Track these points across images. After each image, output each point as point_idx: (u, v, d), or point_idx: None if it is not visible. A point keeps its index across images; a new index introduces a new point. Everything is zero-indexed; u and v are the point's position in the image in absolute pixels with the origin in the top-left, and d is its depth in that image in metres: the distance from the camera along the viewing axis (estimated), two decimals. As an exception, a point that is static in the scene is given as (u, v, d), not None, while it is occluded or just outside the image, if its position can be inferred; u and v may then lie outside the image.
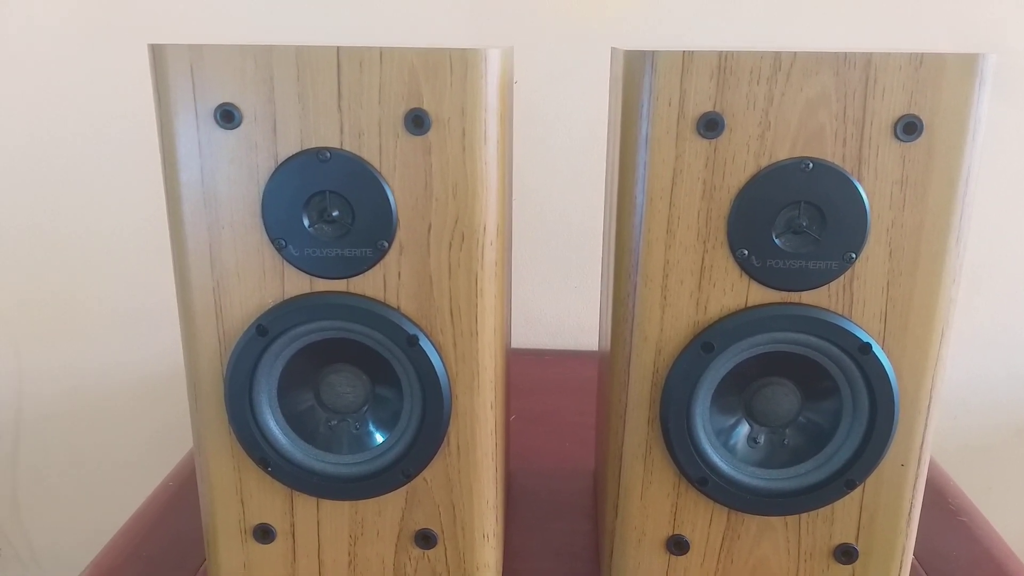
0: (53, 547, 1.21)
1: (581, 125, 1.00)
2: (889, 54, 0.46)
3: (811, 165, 0.47)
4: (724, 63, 0.46)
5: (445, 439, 0.52)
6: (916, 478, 0.53)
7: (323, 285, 0.50)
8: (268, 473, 0.53)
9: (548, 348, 1.09)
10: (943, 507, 0.71)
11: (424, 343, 0.50)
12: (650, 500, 0.54)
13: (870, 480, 0.52)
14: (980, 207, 0.98)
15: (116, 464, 1.16)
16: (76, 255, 1.07)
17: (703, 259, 0.50)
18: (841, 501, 0.53)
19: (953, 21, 0.95)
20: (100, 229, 1.06)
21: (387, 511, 0.54)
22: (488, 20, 0.97)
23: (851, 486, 0.52)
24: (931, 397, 0.51)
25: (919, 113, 0.46)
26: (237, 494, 0.54)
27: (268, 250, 0.49)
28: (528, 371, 0.98)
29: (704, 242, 0.49)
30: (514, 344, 1.06)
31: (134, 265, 1.07)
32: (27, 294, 1.09)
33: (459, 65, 0.46)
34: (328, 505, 0.54)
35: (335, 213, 0.49)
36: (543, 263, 1.06)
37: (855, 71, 0.46)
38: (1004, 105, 0.97)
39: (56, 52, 1.00)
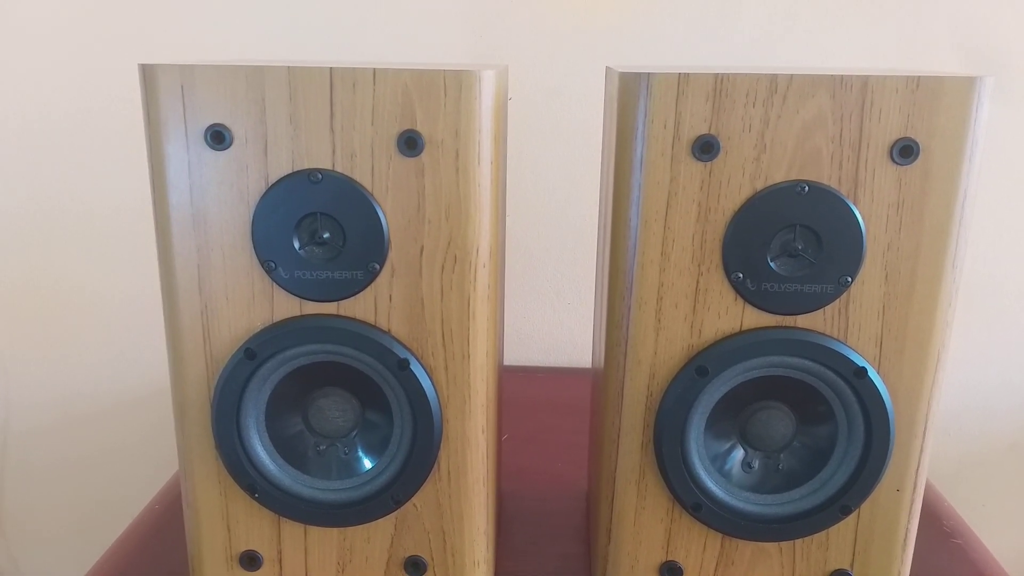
0: (41, 565, 1.19)
1: (576, 141, 1.00)
2: (886, 77, 0.45)
3: (807, 188, 0.47)
4: (720, 85, 0.46)
5: (436, 464, 0.51)
6: (912, 503, 0.52)
7: (313, 308, 0.49)
8: (255, 499, 0.52)
9: (541, 365, 1.08)
10: (938, 529, 0.71)
11: (415, 367, 0.49)
12: (643, 525, 0.53)
13: (865, 505, 0.52)
14: (976, 223, 0.98)
15: (106, 480, 1.14)
16: (68, 262, 1.06)
17: (698, 282, 0.49)
18: (836, 527, 0.53)
19: (957, 28, 0.95)
20: (92, 235, 1.05)
21: (376, 538, 0.53)
22: (483, 37, 0.97)
23: (846, 511, 0.52)
24: (927, 421, 0.51)
25: (916, 136, 0.46)
26: (223, 520, 0.53)
27: (257, 272, 0.49)
28: (521, 389, 0.97)
29: (699, 265, 0.49)
30: (507, 361, 1.05)
31: (127, 275, 1.06)
32: (14, 302, 1.07)
33: (453, 86, 0.46)
34: (316, 532, 0.53)
35: (326, 235, 0.48)
36: (537, 279, 1.05)
37: (851, 93, 0.46)
38: (1002, 115, 0.97)
39: (52, 51, 0.99)
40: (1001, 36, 0.95)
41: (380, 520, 0.53)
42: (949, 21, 0.95)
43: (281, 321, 0.49)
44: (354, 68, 0.46)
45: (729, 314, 0.50)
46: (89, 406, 1.11)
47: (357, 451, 0.53)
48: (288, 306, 0.49)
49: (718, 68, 0.50)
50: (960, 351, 1.04)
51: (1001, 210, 1.00)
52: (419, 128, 0.46)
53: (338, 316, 0.49)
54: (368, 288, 0.49)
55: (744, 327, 0.50)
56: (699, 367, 0.49)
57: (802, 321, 0.49)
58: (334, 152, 0.47)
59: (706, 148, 0.47)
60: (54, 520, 1.17)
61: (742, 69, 0.49)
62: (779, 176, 0.47)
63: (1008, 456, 1.10)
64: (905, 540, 0.53)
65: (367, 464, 0.53)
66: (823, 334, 0.49)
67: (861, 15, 0.95)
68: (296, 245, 0.48)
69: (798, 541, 0.53)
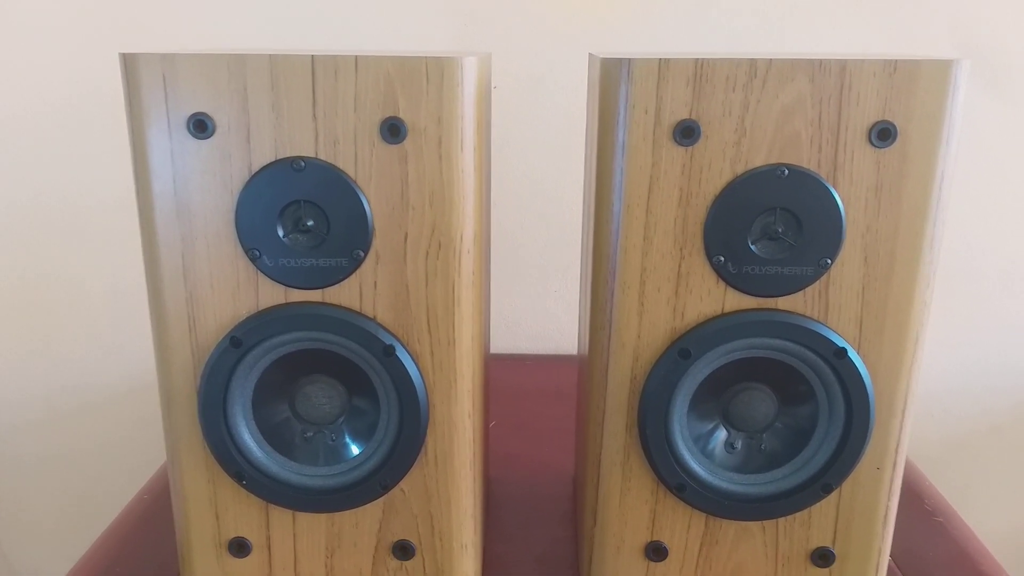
0: (30, 558, 1.19)
1: (561, 127, 1.00)
2: (863, 61, 0.46)
3: (787, 172, 0.48)
4: (700, 70, 0.46)
5: (422, 449, 0.52)
6: (892, 481, 0.53)
7: (298, 295, 0.50)
8: (243, 487, 0.52)
9: (528, 353, 1.08)
10: (919, 508, 0.72)
11: (401, 353, 0.50)
12: (628, 507, 0.54)
13: (846, 484, 0.53)
14: (959, 207, 1.00)
15: (94, 472, 1.14)
16: (52, 256, 1.05)
17: (680, 266, 0.50)
18: (818, 505, 0.53)
19: (952, 21, 0.96)
20: (77, 228, 1.04)
21: (364, 523, 0.54)
22: (467, 25, 0.97)
23: (828, 490, 0.52)
24: (906, 400, 0.52)
25: (893, 119, 0.47)
26: (212, 508, 0.54)
27: (242, 261, 0.49)
28: (508, 377, 0.98)
29: (681, 249, 0.49)
30: (494, 349, 1.06)
31: (112, 268, 1.05)
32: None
33: (435, 73, 0.46)
34: (304, 518, 0.54)
35: (310, 223, 0.48)
36: (523, 267, 1.06)
37: (830, 78, 0.46)
38: (985, 105, 0.98)
39: (37, 44, 0.98)
40: (999, 33, 0.96)
41: (368, 505, 0.53)
42: (948, 20, 0.95)
43: (266, 309, 0.50)
44: (336, 56, 0.46)
45: (711, 297, 0.50)
46: (76, 399, 1.11)
47: (344, 437, 0.53)
48: (273, 294, 0.50)
49: (699, 53, 0.50)
50: (942, 334, 1.06)
51: (983, 197, 1.01)
52: (402, 115, 0.46)
53: (323, 303, 0.50)
54: (353, 275, 0.49)
55: (726, 310, 0.50)
56: (682, 349, 0.50)
57: (783, 303, 0.50)
58: (317, 140, 0.47)
59: (687, 133, 0.47)
60: (43, 513, 1.17)
61: (724, 54, 0.50)
62: (759, 160, 0.48)
63: (990, 438, 1.12)
64: (886, 517, 0.54)
65: (354, 450, 0.53)
66: (804, 316, 0.50)
67: (858, 15, 0.95)
68: (280, 233, 0.48)
69: (781, 520, 0.54)
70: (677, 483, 0.52)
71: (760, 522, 0.54)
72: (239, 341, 0.49)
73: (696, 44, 0.97)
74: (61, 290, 1.06)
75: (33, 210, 1.03)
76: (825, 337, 0.49)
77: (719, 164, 0.48)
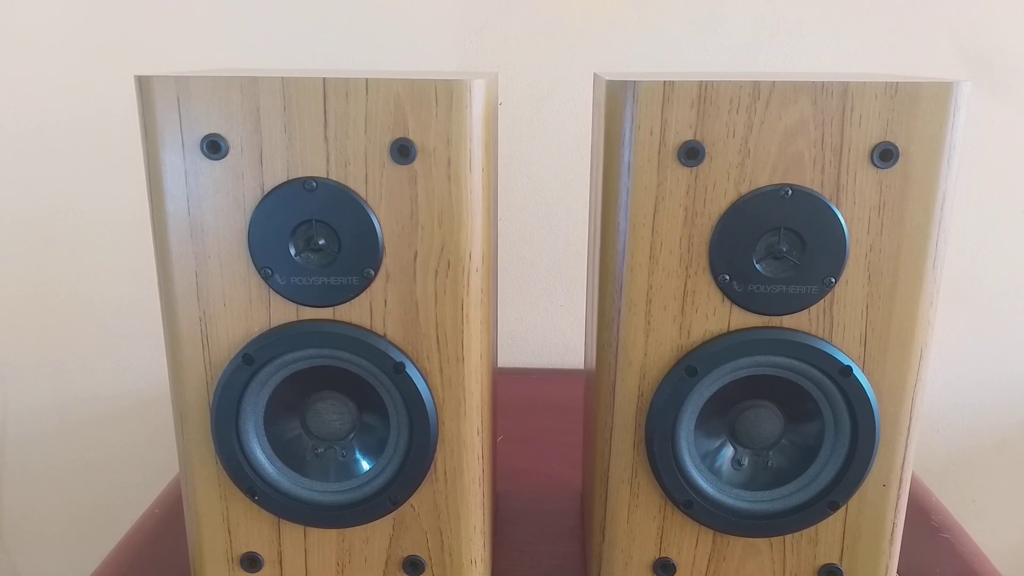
0: (40, 571, 1.20)
1: (567, 146, 1.01)
2: (865, 83, 0.47)
3: (790, 192, 0.48)
4: (704, 92, 0.47)
5: (432, 466, 0.52)
6: (898, 497, 0.54)
7: (309, 313, 0.50)
8: (255, 502, 0.53)
9: (535, 367, 1.09)
10: (926, 524, 0.72)
11: (410, 370, 0.50)
12: (636, 523, 0.54)
13: (853, 500, 0.53)
14: (964, 221, 1.00)
15: (104, 485, 1.15)
16: (65, 269, 1.06)
17: (685, 284, 0.50)
18: (825, 522, 0.54)
19: (955, 26, 0.96)
20: (90, 242, 1.05)
21: (374, 538, 0.54)
22: (474, 44, 0.98)
23: (834, 507, 0.53)
24: (911, 417, 0.52)
25: (895, 140, 0.47)
26: (224, 523, 0.54)
27: (254, 279, 0.50)
28: (515, 391, 0.98)
29: (686, 268, 0.50)
30: (500, 363, 1.06)
31: (125, 282, 1.06)
32: (12, 309, 1.08)
33: (444, 95, 0.47)
34: (315, 533, 0.54)
35: (321, 242, 0.49)
36: (529, 282, 1.07)
37: (832, 99, 0.47)
38: (991, 115, 0.98)
39: (49, 60, 0.99)
40: (1001, 36, 0.96)
41: (378, 521, 0.54)
42: (949, 24, 0.96)
43: (278, 327, 0.50)
44: (347, 78, 0.47)
45: (717, 315, 0.51)
46: (87, 412, 1.12)
47: (355, 453, 0.54)
48: (285, 312, 0.50)
49: (703, 75, 0.51)
50: (948, 349, 1.06)
51: (990, 209, 1.01)
52: (411, 136, 0.47)
53: (334, 321, 0.50)
54: (363, 293, 0.50)
55: (731, 328, 0.51)
56: (688, 367, 0.51)
57: (788, 321, 0.51)
58: (328, 160, 0.48)
59: (692, 154, 0.48)
60: (53, 526, 1.17)
61: (728, 76, 0.50)
62: (763, 180, 0.48)
63: (997, 453, 1.11)
64: (892, 534, 0.54)
65: (365, 466, 0.53)
66: (809, 334, 0.50)
67: (859, 20, 0.96)
68: (292, 252, 0.49)
69: (788, 537, 0.54)
70: (684, 500, 0.53)
71: (768, 539, 0.54)
72: (251, 358, 0.50)
73: (701, 62, 0.98)
74: (73, 304, 1.07)
75: (46, 225, 1.04)
76: (830, 355, 0.50)
77: (723, 184, 0.48)
